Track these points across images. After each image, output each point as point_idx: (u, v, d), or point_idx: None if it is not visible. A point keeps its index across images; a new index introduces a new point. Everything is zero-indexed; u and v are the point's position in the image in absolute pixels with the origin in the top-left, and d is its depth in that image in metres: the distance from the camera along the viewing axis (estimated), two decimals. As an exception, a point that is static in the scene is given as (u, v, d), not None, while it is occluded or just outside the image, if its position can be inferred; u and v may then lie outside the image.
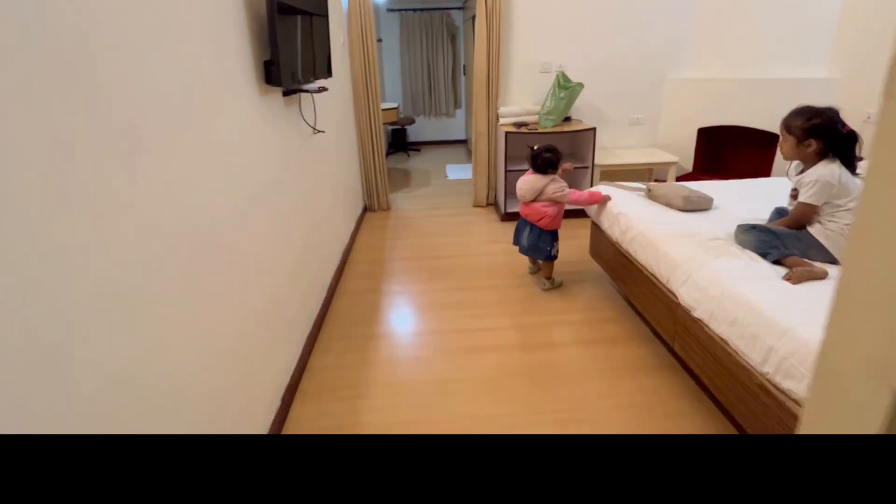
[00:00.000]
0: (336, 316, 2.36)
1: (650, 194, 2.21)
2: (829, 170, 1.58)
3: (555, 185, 2.30)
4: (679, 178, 3.63)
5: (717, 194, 2.18)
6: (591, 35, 3.49)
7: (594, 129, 3.25)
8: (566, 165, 2.45)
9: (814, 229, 1.61)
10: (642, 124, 3.79)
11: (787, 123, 1.64)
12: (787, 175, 1.81)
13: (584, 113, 3.63)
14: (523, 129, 3.27)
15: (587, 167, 3.34)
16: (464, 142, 6.45)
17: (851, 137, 1.55)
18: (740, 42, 3.33)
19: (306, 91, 2.04)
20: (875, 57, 2.76)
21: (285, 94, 1.87)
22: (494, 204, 3.84)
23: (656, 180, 3.82)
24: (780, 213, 1.87)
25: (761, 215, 1.98)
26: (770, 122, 3.29)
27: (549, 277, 2.52)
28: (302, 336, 2.00)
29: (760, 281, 1.44)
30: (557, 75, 3.27)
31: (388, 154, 5.90)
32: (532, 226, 2.43)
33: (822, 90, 3.07)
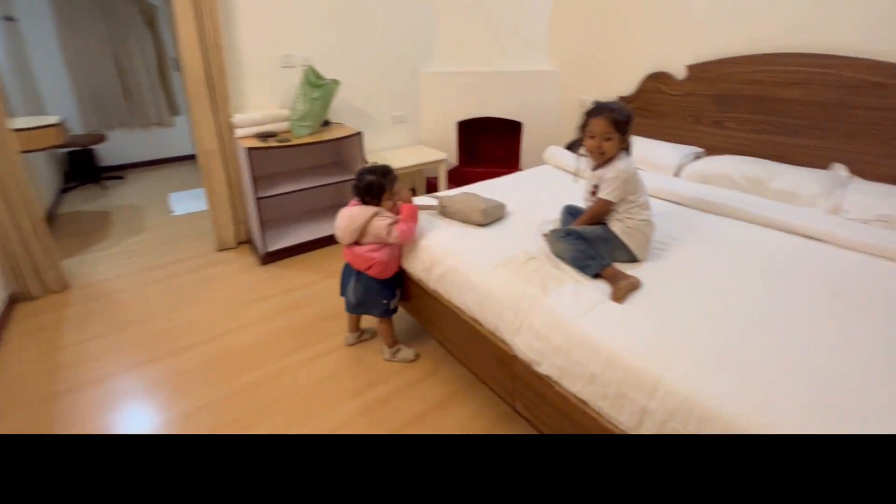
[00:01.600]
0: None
1: (444, 211, 1.86)
2: (628, 165, 1.50)
3: (382, 221, 1.66)
4: (449, 172, 3.55)
5: (493, 193, 1.99)
6: (338, 24, 2.94)
7: (359, 133, 2.76)
8: (403, 194, 1.74)
9: (616, 228, 1.51)
10: (405, 121, 3.52)
11: (614, 121, 1.47)
12: (579, 172, 1.70)
13: (343, 114, 3.10)
14: (272, 142, 2.50)
15: (360, 177, 2.85)
16: (194, 157, 5.00)
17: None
18: (478, 36, 3.37)
19: None
20: (582, 50, 3.15)
21: None
22: (249, 242, 2.94)
23: (429, 181, 3.66)
24: (570, 212, 1.78)
25: (553, 215, 1.88)
26: (513, 111, 3.47)
27: (390, 345, 1.90)
28: None
29: (599, 313, 1.21)
30: (305, 71, 2.62)
31: (67, 190, 4.09)
32: (359, 274, 1.78)
33: (549, 81, 3.38)
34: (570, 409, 1.19)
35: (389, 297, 1.79)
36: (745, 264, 1.49)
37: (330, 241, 2.85)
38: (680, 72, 2.63)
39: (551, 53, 3.37)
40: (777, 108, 2.30)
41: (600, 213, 1.53)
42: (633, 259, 1.51)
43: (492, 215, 1.81)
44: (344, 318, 2.06)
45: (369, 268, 1.71)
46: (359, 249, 1.71)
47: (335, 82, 2.67)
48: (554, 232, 1.52)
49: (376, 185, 1.69)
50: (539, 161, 3.56)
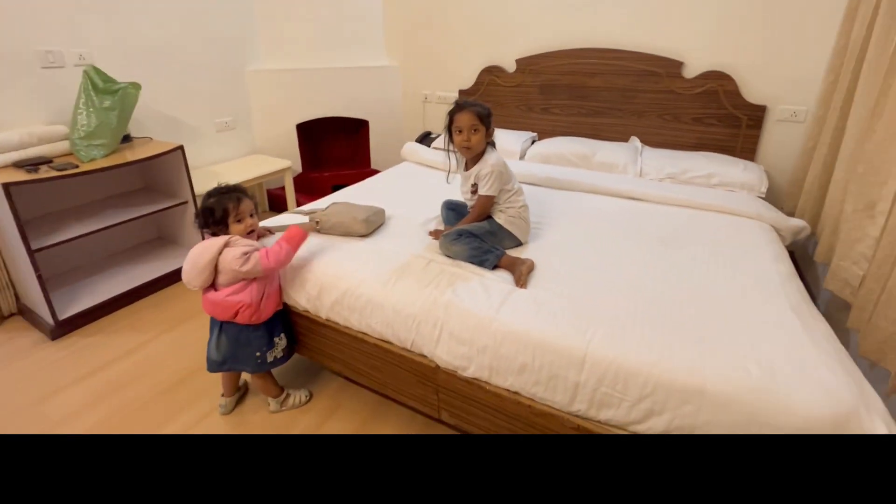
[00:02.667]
0: None
1: (320, 226, 1.66)
2: (498, 158, 1.55)
3: (234, 251, 1.34)
4: (294, 181, 3.24)
5: (362, 199, 1.89)
6: (124, 10, 2.32)
7: (181, 147, 2.27)
8: (250, 221, 1.43)
9: (501, 219, 1.57)
10: (234, 128, 3.06)
11: (479, 114, 1.48)
12: (448, 180, 1.69)
13: (147, 126, 2.52)
14: (45, 171, 1.86)
15: (185, 202, 2.36)
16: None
17: None
18: (307, 30, 3.10)
19: None
20: (418, 46, 3.18)
21: None
22: (23, 312, 2.12)
23: (272, 194, 3.29)
24: (450, 207, 1.79)
25: (431, 213, 1.86)
26: (356, 109, 3.33)
27: (275, 396, 1.59)
28: None
29: (513, 303, 1.23)
30: (86, 73, 2.01)
31: None
32: (224, 325, 1.42)
33: (389, 76, 3.33)
34: (502, 404, 1.20)
35: (266, 347, 1.48)
36: (599, 229, 1.72)
37: (159, 284, 2.32)
38: (510, 65, 2.87)
39: (388, 49, 3.32)
40: (587, 94, 2.70)
41: (486, 210, 1.57)
42: (518, 244, 1.59)
43: (374, 222, 1.69)
44: (204, 379, 1.70)
45: (236, 314, 1.40)
46: (215, 295, 1.38)
47: (134, 86, 2.14)
48: (445, 236, 1.49)
49: (215, 209, 1.39)
50: (390, 158, 3.53)
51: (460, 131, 1.53)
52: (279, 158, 3.10)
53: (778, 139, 2.34)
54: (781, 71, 2.24)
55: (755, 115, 2.33)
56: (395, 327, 1.31)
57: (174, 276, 2.34)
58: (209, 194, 1.40)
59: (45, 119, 2.15)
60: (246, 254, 1.36)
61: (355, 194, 2.10)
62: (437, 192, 2.12)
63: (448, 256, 1.47)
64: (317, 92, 3.20)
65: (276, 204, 3.29)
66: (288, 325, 1.59)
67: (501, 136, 2.76)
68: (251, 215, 1.46)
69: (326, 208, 1.72)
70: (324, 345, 1.54)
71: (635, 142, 2.60)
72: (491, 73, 2.93)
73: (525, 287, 1.31)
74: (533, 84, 2.83)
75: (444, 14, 3.01)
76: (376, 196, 2.01)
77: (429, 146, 2.83)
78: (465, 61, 3.03)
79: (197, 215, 1.41)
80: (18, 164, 1.88)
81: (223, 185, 1.46)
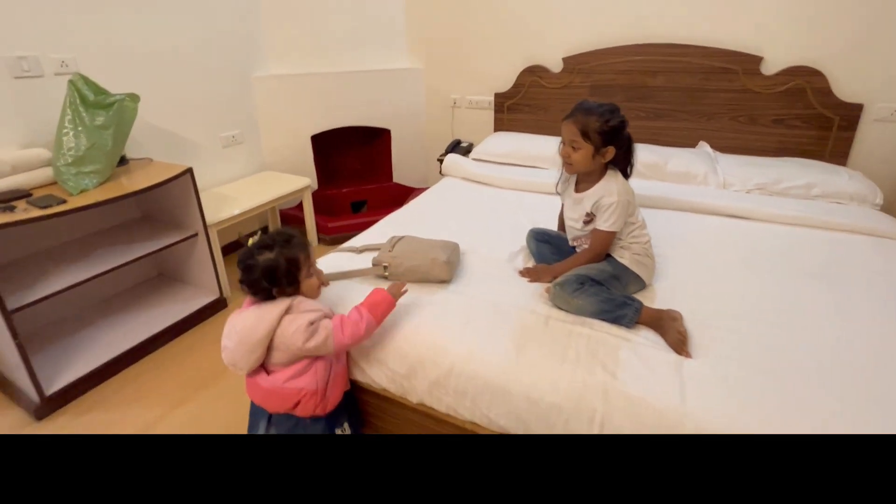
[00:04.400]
0: None
1: (388, 272, 1.31)
2: (622, 185, 1.22)
3: (297, 321, 0.98)
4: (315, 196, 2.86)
5: (414, 228, 1.55)
6: (108, 7, 1.92)
7: (189, 170, 1.88)
8: (319, 275, 1.11)
9: (625, 258, 1.25)
10: (241, 143, 2.67)
11: (583, 126, 1.14)
12: (557, 189, 1.38)
13: (144, 144, 2.12)
14: (23, 212, 1.44)
15: (195, 235, 1.97)
16: None
17: (631, 141, 1.22)
18: (321, 30, 2.72)
19: None
20: (446, 45, 2.83)
21: None
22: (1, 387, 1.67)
23: (283, 214, 2.89)
24: (540, 238, 1.45)
25: (511, 244, 1.53)
26: (376, 117, 2.97)
27: None
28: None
29: (693, 383, 0.91)
30: (73, 84, 1.60)
31: None
32: (274, 417, 1.06)
33: (411, 80, 2.98)
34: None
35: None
36: (719, 259, 1.45)
37: (165, 337, 1.93)
38: (556, 64, 2.55)
39: (410, 49, 2.97)
40: (647, 95, 2.41)
41: (605, 248, 1.25)
42: (643, 287, 1.27)
43: (455, 263, 1.35)
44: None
45: (296, 405, 1.04)
46: (268, 380, 1.03)
47: (132, 98, 1.74)
48: (560, 286, 1.16)
49: (280, 265, 1.02)
50: (414, 170, 3.18)
51: (564, 142, 1.22)
52: (293, 175, 2.72)
53: (875, 141, 2.08)
54: (879, 64, 1.98)
55: (850, 115, 2.06)
56: (528, 422, 0.97)
57: (183, 325, 1.96)
58: (261, 247, 1.04)
59: (19, 142, 1.74)
60: (312, 323, 1.00)
61: (405, 223, 1.75)
62: (504, 216, 1.80)
63: (571, 313, 1.14)
64: (330, 98, 2.83)
65: (301, 232, 2.86)
66: (353, 405, 1.24)
67: (545, 143, 2.43)
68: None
69: (392, 247, 1.37)
70: (410, 431, 1.19)
71: (705, 147, 2.32)
72: (533, 74, 2.61)
73: (690, 355, 0.99)
74: (583, 85, 2.52)
75: (477, 8, 2.68)
76: (432, 224, 1.68)
77: (463, 156, 2.49)
78: (501, 61, 2.71)
79: (246, 279, 1.04)
80: (-13, 201, 1.48)
81: (264, 232, 1.09)
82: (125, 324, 1.91)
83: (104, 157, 1.68)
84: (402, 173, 3.15)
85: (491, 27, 2.67)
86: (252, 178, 2.67)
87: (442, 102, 3.00)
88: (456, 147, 2.85)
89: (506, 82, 2.72)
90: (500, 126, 2.82)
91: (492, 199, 1.98)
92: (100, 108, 1.66)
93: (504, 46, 2.67)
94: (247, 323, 1.00)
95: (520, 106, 2.70)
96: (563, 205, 1.39)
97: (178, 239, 1.90)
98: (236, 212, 2.19)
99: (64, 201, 1.50)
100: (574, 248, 1.35)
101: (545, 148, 2.35)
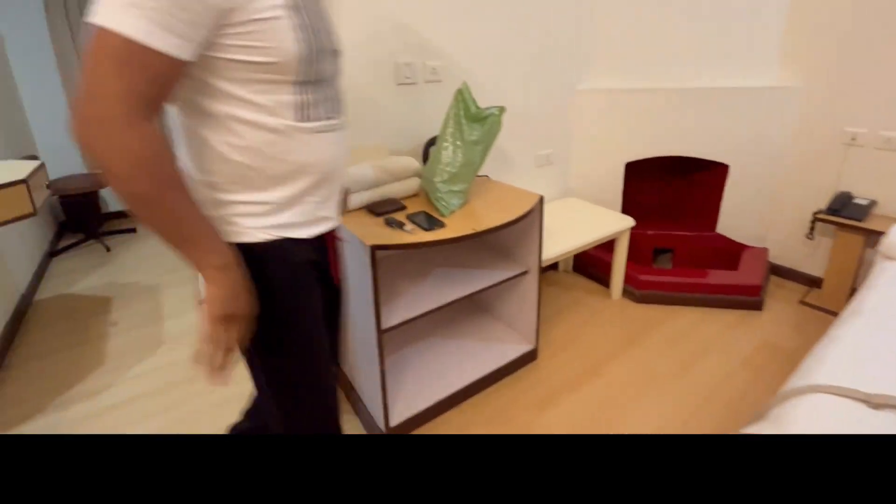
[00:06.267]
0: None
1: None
2: None
3: None
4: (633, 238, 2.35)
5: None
6: (471, 15, 1.80)
7: (541, 198, 1.59)
8: None
9: None
10: (552, 163, 2.37)
11: None
12: None
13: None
14: (413, 233, 1.27)
15: (525, 272, 1.67)
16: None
17: None
18: (663, 34, 2.22)
19: None
20: (844, 55, 2.00)
21: None
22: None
23: (582, 257, 2.46)
24: None
25: None
26: (712, 148, 2.29)
27: None
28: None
29: None
30: (461, 94, 1.46)
31: (59, 253, 2.96)
32: None
33: (781, 101, 2.20)
34: None
35: None
36: None
37: (500, 373, 1.67)
38: None
39: (784, 61, 2.21)
40: None
41: None
42: None
43: None
44: None
45: None
46: None
47: (501, 111, 1.51)
48: None
49: None
50: (749, 221, 2.35)
51: None
52: (602, 207, 2.29)
53: None
54: None
55: None
56: None
57: (521, 361, 1.73)
58: None
59: (390, 149, 1.71)
60: None
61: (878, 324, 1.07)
62: None
63: None
64: (656, 120, 2.28)
65: (601, 278, 2.36)
66: None
67: None
68: None
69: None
70: None
71: None
72: None
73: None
74: None
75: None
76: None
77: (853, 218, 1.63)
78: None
79: None
80: (374, 210, 1.41)
81: None
82: (460, 355, 1.73)
83: (471, 176, 1.49)
84: (731, 223, 2.41)
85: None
86: (558, 205, 2.34)
87: (827, 136, 2.14)
88: (847, 204, 2.00)
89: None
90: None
91: None
92: (475, 122, 1.47)
93: None
94: None
95: None
96: None
97: (511, 275, 1.62)
98: (559, 251, 1.85)
99: (442, 224, 1.32)
100: None
101: None
